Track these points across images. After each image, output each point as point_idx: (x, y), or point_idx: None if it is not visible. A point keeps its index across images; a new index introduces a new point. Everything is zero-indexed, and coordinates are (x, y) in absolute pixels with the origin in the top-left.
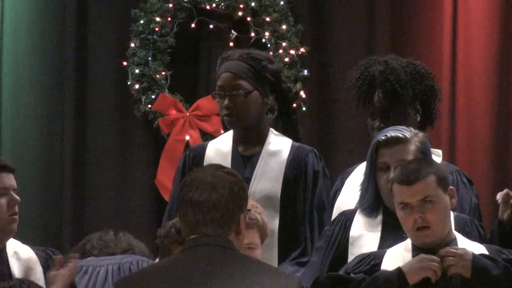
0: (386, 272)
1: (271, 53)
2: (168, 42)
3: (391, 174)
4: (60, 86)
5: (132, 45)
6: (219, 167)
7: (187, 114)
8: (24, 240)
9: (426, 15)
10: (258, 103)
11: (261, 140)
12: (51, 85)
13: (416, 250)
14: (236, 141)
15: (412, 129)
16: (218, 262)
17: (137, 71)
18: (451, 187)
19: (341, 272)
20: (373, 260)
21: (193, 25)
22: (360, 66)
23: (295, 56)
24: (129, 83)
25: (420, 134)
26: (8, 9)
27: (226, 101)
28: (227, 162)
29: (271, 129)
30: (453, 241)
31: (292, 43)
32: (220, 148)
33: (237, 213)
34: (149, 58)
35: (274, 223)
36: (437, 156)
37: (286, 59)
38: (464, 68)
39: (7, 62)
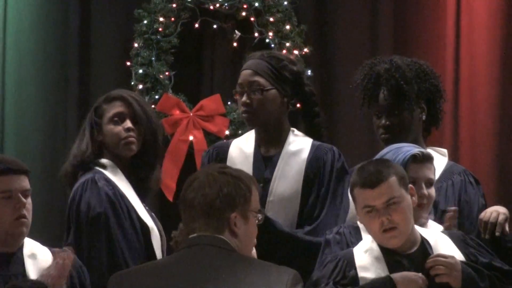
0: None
1: None
2: (171, 42)
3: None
4: (63, 85)
5: (136, 45)
6: (219, 166)
7: (191, 114)
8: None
9: (430, 15)
10: (277, 101)
11: (282, 140)
12: (54, 85)
13: (385, 252)
14: (258, 142)
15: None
16: (211, 263)
17: (140, 71)
18: (410, 185)
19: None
20: (347, 267)
21: (196, 25)
22: (365, 66)
23: (299, 56)
24: (132, 83)
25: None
26: (11, 9)
27: (243, 98)
28: (248, 163)
29: (293, 129)
30: (419, 239)
31: (296, 43)
32: (242, 148)
33: (227, 213)
34: (153, 58)
35: (294, 223)
36: (442, 155)
37: None
38: (468, 68)
39: (10, 62)
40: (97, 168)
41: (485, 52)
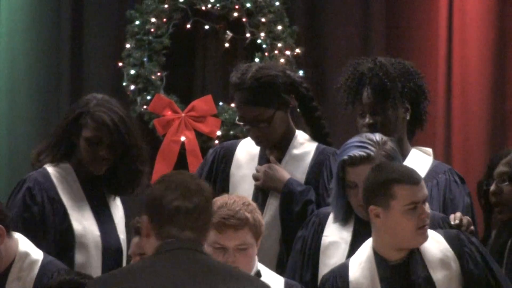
0: None
1: (266, 54)
2: (163, 43)
3: (360, 192)
4: (56, 86)
5: (128, 46)
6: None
7: (183, 115)
8: None
9: (422, 16)
10: (284, 120)
11: (287, 143)
12: (47, 86)
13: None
14: None
15: (377, 138)
16: (192, 267)
17: (132, 71)
18: None
19: None
20: (340, 282)
21: (188, 26)
22: (349, 66)
23: (290, 57)
24: (124, 84)
25: (387, 144)
26: (3, 10)
27: (252, 131)
28: (254, 164)
29: (299, 132)
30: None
31: (288, 44)
32: (249, 150)
33: (210, 220)
34: (145, 59)
35: None
36: (427, 155)
37: (282, 60)
38: (460, 68)
39: (3, 63)
40: (48, 166)
41: (477, 52)
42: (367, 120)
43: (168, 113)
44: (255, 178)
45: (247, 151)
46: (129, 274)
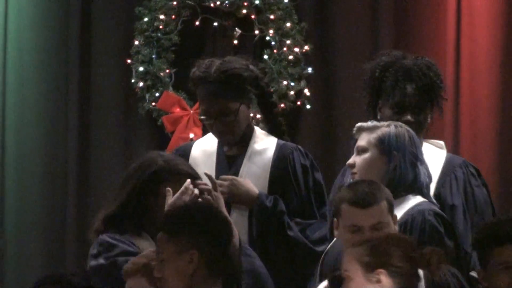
0: None
1: (275, 51)
2: (172, 40)
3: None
4: (64, 83)
5: (136, 42)
6: None
7: (191, 112)
8: (28, 238)
9: (431, 12)
10: (247, 114)
11: (246, 139)
12: (55, 83)
13: None
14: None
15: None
16: None
17: (141, 69)
18: (394, 213)
19: None
20: None
21: (197, 23)
22: (385, 58)
23: (299, 54)
24: (133, 81)
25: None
26: (12, 6)
27: (216, 125)
28: (211, 162)
29: (257, 128)
30: None
31: (296, 41)
32: (205, 149)
33: None
34: (153, 56)
35: None
36: (439, 148)
37: (290, 57)
38: (468, 65)
39: (11, 59)
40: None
41: (486, 49)
42: (408, 117)
43: (177, 110)
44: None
45: (202, 150)
46: None
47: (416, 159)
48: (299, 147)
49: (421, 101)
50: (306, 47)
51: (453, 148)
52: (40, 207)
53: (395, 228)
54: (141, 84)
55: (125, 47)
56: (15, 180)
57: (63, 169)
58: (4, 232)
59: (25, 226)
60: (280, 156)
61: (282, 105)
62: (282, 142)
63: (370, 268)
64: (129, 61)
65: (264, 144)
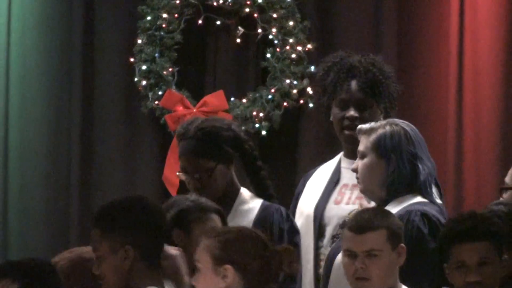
0: None
1: (277, 49)
2: (175, 38)
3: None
4: (67, 82)
5: (139, 41)
6: None
7: (194, 110)
8: (31, 237)
9: (434, 11)
10: (225, 174)
11: (231, 200)
12: (58, 81)
13: None
14: None
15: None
16: None
17: (144, 67)
18: (402, 245)
19: None
20: None
21: (200, 22)
22: (333, 58)
23: (302, 52)
24: (136, 79)
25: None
26: (15, 5)
27: (192, 183)
28: None
29: (243, 189)
30: None
31: (299, 40)
32: None
33: None
34: (156, 55)
35: None
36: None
37: (293, 56)
38: (471, 64)
39: (14, 59)
40: None
41: (489, 48)
42: (351, 113)
43: (180, 109)
44: None
45: None
46: None
47: (415, 158)
48: (281, 208)
49: (366, 97)
50: (309, 46)
51: (457, 147)
52: (43, 203)
53: (398, 259)
54: (144, 82)
55: (128, 45)
56: (18, 177)
57: (66, 166)
58: (7, 231)
59: (28, 224)
60: (261, 218)
61: (285, 104)
62: (266, 203)
63: (219, 261)
64: (132, 59)
65: (249, 205)
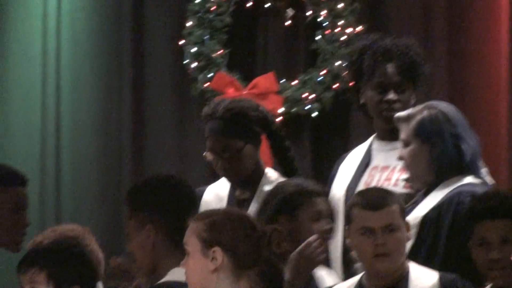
0: None
1: (327, 31)
2: (224, 21)
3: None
4: (117, 65)
5: (189, 24)
6: None
7: (245, 92)
8: (84, 217)
9: (484, 7)
10: (253, 154)
11: (256, 182)
12: (108, 64)
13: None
14: (233, 185)
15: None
16: None
17: (193, 50)
18: (406, 221)
19: None
20: None
21: (249, 4)
22: (365, 41)
23: (352, 34)
24: (185, 62)
25: None
26: None
27: (220, 163)
28: (222, 205)
29: (268, 169)
30: (407, 273)
31: (349, 22)
32: (218, 192)
33: None
34: (206, 37)
35: None
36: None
37: (343, 38)
38: None
39: (65, 41)
40: None
41: None
42: (390, 96)
43: (230, 91)
44: None
45: (215, 193)
46: None
47: (458, 138)
48: None
49: (402, 80)
50: (359, 28)
51: (509, 147)
52: (96, 184)
53: (408, 235)
54: (193, 65)
55: (178, 28)
56: (70, 157)
57: (118, 149)
58: (61, 211)
59: (80, 204)
60: None
61: (336, 85)
62: None
63: (207, 244)
64: (181, 42)
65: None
